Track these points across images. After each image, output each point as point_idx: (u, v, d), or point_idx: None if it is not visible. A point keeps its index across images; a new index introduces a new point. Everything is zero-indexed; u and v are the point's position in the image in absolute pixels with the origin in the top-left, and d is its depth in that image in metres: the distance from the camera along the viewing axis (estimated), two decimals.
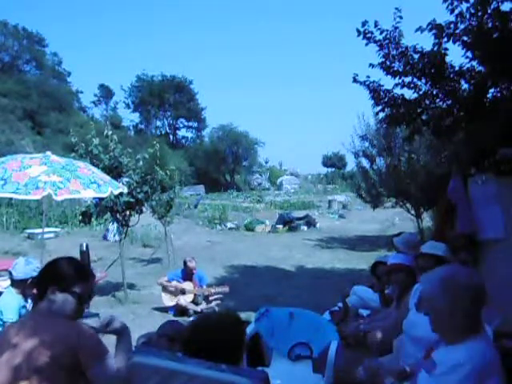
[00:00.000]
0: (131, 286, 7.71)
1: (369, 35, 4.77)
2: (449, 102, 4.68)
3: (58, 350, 1.74)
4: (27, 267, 3.38)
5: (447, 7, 4.28)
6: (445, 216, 4.66)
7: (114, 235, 12.07)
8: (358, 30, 4.81)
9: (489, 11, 4.07)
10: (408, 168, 11.61)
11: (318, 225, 19.28)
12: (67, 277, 1.88)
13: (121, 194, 6.12)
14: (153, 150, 7.53)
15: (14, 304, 3.36)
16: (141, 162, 7.23)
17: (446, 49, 4.46)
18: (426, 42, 4.55)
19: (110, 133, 7.09)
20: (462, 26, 4.29)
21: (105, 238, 13.20)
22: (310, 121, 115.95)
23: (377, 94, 4.96)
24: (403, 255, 3.48)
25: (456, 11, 4.25)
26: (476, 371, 1.63)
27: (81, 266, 2.02)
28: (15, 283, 3.43)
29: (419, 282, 2.81)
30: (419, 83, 4.71)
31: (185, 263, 6.59)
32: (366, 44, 4.82)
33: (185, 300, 6.40)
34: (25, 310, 3.41)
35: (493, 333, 2.46)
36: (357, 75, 5.05)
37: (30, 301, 3.50)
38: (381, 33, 4.72)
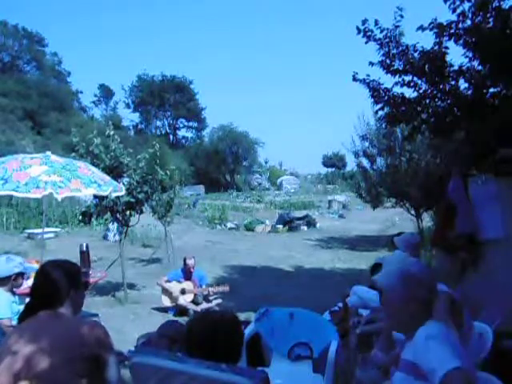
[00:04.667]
0: (131, 286, 7.71)
1: (369, 33, 4.77)
2: (449, 102, 4.68)
3: (73, 349, 1.75)
4: (9, 265, 3.46)
5: (449, 6, 4.28)
6: (445, 216, 4.66)
7: (114, 235, 12.06)
8: (358, 28, 4.81)
9: (490, 10, 4.06)
10: (408, 168, 11.61)
11: (317, 225, 19.27)
12: (61, 287, 1.90)
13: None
14: (153, 149, 7.53)
15: (4, 300, 3.45)
16: (142, 163, 7.23)
17: (447, 48, 4.46)
18: (428, 40, 4.55)
19: (112, 133, 7.10)
20: (463, 25, 4.28)
21: (105, 238, 13.20)
22: (310, 121, 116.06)
23: (376, 92, 4.96)
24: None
25: (458, 10, 4.25)
26: (438, 336, 1.68)
27: (69, 269, 2.01)
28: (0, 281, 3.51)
29: None
30: (419, 82, 4.72)
31: (184, 261, 6.61)
32: (366, 42, 4.81)
33: (185, 300, 6.40)
34: (16, 305, 3.50)
35: (493, 333, 2.46)
36: (356, 73, 5.06)
37: (17, 297, 3.58)
38: (381, 31, 4.72)
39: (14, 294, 3.59)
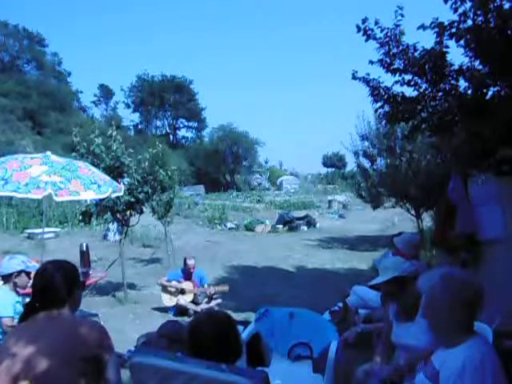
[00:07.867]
0: (131, 286, 7.71)
1: (369, 32, 4.76)
2: (449, 101, 4.68)
3: (74, 349, 1.75)
4: (11, 262, 3.52)
5: (451, 6, 4.27)
6: (445, 216, 4.66)
7: (114, 235, 12.07)
8: (358, 27, 4.80)
9: (491, 10, 4.06)
10: (408, 168, 11.60)
11: (317, 225, 19.28)
12: (61, 288, 1.91)
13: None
14: (155, 150, 7.54)
15: (8, 299, 3.46)
16: (145, 163, 7.24)
17: (447, 47, 4.46)
18: (428, 40, 4.55)
19: (114, 133, 7.10)
20: (464, 25, 4.28)
21: (105, 237, 13.21)
22: (310, 121, 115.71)
23: (376, 90, 4.96)
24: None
25: (460, 10, 4.24)
26: (477, 369, 1.63)
27: (69, 270, 2.01)
28: (4, 279, 3.54)
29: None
30: (419, 81, 4.71)
31: (185, 261, 6.61)
32: (366, 40, 4.80)
33: (185, 300, 6.40)
34: (19, 304, 3.49)
35: (493, 333, 2.45)
36: (356, 72, 5.06)
37: (21, 298, 3.57)
38: (381, 30, 4.72)
39: (18, 294, 3.58)
